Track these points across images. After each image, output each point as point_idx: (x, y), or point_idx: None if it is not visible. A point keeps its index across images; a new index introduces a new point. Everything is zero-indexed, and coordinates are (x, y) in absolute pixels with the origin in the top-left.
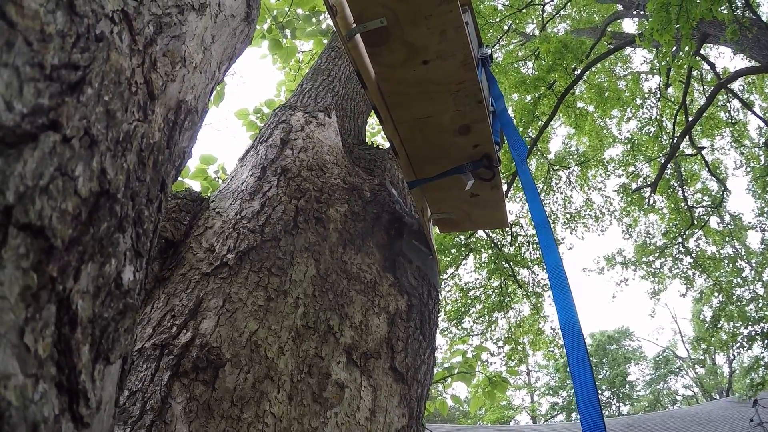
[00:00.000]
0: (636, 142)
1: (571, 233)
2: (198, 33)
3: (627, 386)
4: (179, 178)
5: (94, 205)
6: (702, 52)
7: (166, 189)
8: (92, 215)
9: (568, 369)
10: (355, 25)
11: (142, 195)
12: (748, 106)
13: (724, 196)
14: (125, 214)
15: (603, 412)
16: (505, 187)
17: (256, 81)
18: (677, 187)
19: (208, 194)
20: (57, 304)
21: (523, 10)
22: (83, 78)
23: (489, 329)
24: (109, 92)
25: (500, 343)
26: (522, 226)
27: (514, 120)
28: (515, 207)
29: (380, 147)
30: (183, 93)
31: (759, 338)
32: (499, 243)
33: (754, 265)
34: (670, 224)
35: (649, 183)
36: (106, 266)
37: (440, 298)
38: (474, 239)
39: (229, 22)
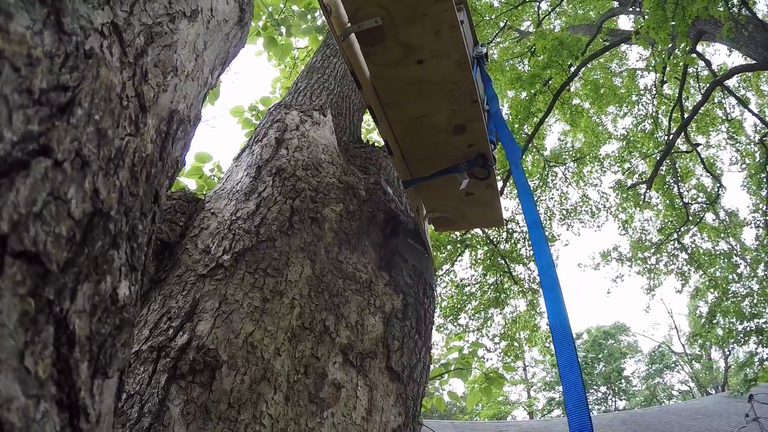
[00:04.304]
0: (632, 138)
1: (567, 229)
2: (190, 40)
3: (623, 381)
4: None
5: (87, 225)
6: (698, 49)
7: (159, 201)
8: (86, 235)
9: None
10: (349, 24)
11: (135, 210)
12: (743, 103)
13: (720, 192)
14: (119, 230)
15: (591, 413)
16: (500, 185)
17: (251, 78)
18: (673, 184)
19: (204, 193)
20: (55, 326)
21: (519, 7)
22: (72, 99)
23: (485, 325)
24: (99, 110)
25: (496, 340)
26: (518, 222)
27: (510, 116)
28: (511, 204)
29: (376, 145)
30: (175, 103)
31: (754, 334)
32: (494, 239)
33: (749, 261)
34: (666, 220)
35: (644, 179)
36: (101, 284)
37: (436, 295)
38: (469, 236)
39: (222, 27)
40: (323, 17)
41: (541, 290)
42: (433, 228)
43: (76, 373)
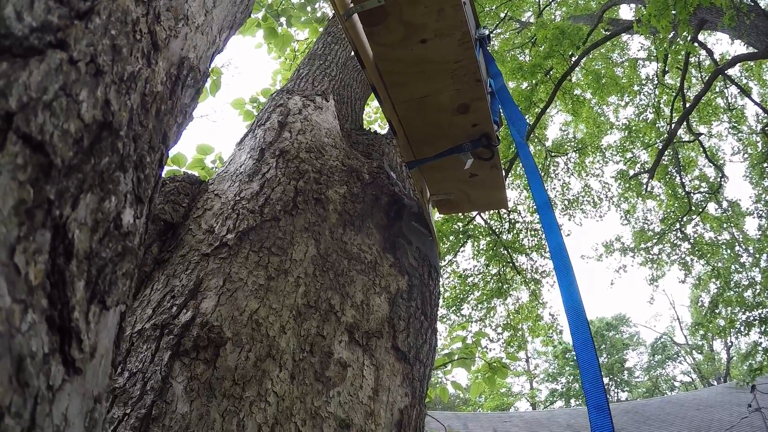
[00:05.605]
0: (633, 128)
1: (570, 220)
2: None
3: (625, 373)
4: (176, 167)
5: (96, 135)
6: (700, 38)
7: (167, 142)
8: (94, 145)
9: (571, 352)
10: (352, 4)
11: (144, 140)
12: (745, 92)
13: (722, 182)
14: (127, 153)
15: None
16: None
17: (252, 71)
18: (675, 173)
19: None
20: (53, 230)
21: None
22: (92, 8)
23: (488, 316)
24: (115, 28)
25: (499, 330)
26: (520, 212)
27: None
28: (513, 194)
29: (378, 132)
30: (185, 50)
31: (757, 324)
32: (497, 230)
33: (751, 251)
34: (668, 210)
35: (646, 169)
36: (105, 202)
37: (440, 278)
38: (472, 226)
39: None
40: (323, 8)
41: (546, 278)
42: (437, 211)
43: (71, 290)
